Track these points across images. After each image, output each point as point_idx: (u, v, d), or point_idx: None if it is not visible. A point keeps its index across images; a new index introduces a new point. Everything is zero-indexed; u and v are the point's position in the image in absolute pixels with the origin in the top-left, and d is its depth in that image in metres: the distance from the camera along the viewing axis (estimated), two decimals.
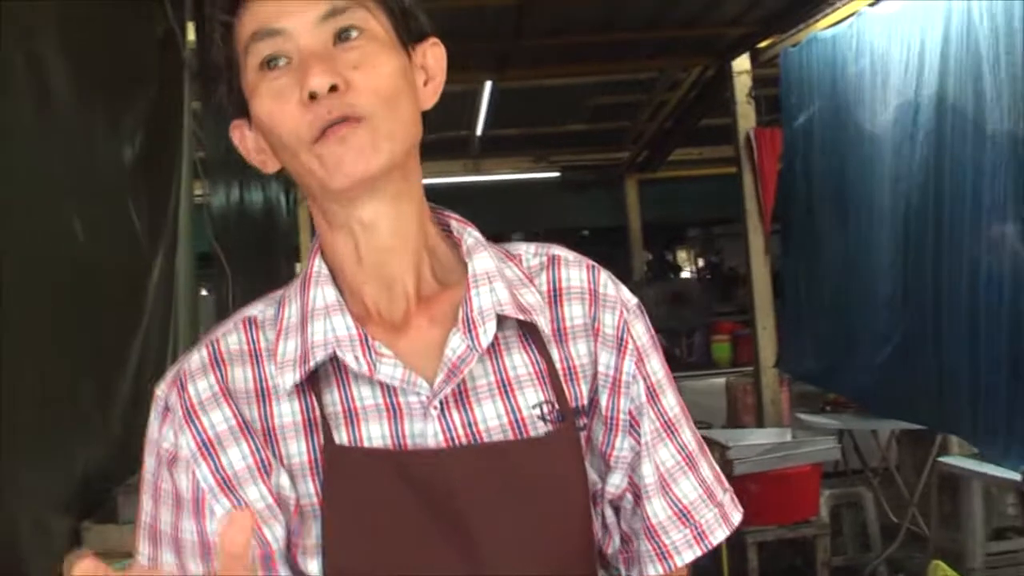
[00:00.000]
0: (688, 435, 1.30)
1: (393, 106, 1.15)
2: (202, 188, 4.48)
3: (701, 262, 16.19)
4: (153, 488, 1.21)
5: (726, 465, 5.33)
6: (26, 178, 2.61)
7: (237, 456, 1.18)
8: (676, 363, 10.19)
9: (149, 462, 1.21)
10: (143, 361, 3.38)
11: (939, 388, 4.65)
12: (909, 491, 6.32)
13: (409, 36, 1.22)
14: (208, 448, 1.18)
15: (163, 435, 1.20)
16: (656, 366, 1.29)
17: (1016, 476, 4.23)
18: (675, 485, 1.27)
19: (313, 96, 1.11)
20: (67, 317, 2.85)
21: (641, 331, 1.28)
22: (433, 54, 1.26)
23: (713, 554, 5.19)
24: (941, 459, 5.40)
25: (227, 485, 1.17)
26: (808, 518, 5.63)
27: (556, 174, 11.67)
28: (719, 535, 1.29)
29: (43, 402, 2.69)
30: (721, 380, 8.09)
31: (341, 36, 1.15)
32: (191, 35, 4.51)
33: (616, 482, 1.27)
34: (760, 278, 7.33)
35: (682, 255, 17.22)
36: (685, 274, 15.97)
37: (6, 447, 2.43)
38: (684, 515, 1.27)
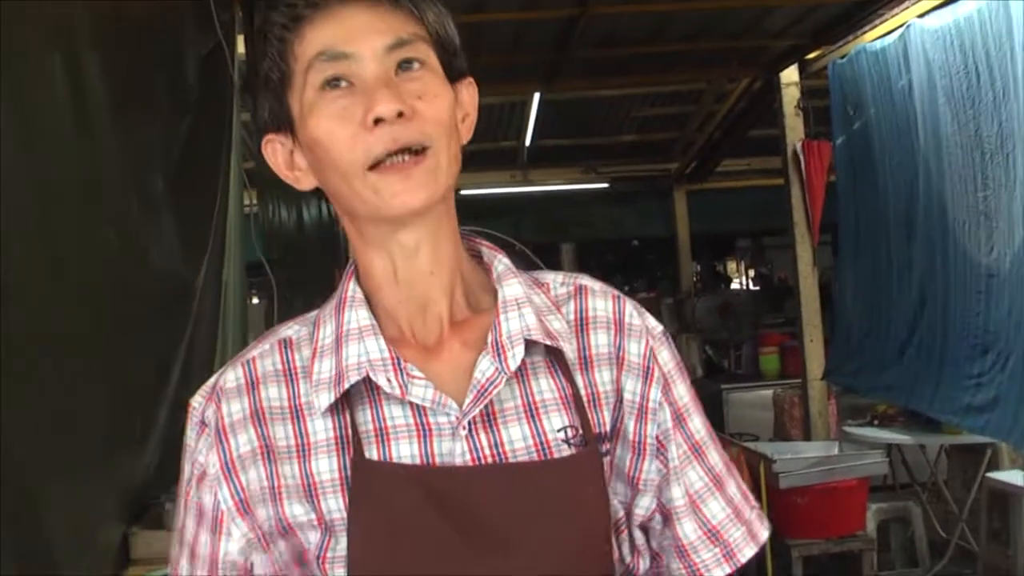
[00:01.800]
0: (715, 456, 1.34)
1: (449, 137, 1.20)
2: (250, 199, 4.52)
3: (752, 273, 16.09)
4: (185, 496, 1.28)
5: (772, 478, 5.32)
6: (63, 192, 2.63)
7: (254, 477, 1.23)
8: (724, 375, 10.13)
9: (187, 469, 1.28)
10: (189, 370, 3.41)
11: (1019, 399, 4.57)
12: (958, 506, 6.25)
13: (453, 74, 1.26)
14: (230, 469, 1.24)
15: (198, 448, 1.26)
16: (683, 391, 1.32)
17: None
18: (704, 506, 1.31)
19: (378, 121, 1.15)
20: (110, 330, 2.88)
21: (667, 358, 1.32)
22: (469, 92, 1.30)
23: (758, 567, 5.18)
24: (990, 475, 5.34)
25: (243, 507, 1.23)
26: (855, 532, 5.58)
27: (605, 185, 11.65)
28: (747, 552, 1.33)
29: (88, 413, 2.73)
30: (769, 392, 8.01)
31: (403, 66, 1.19)
32: (241, 48, 4.57)
33: (646, 504, 1.31)
34: (808, 290, 7.29)
35: (731, 266, 17.13)
36: (735, 285, 15.88)
37: (55, 457, 2.47)
38: (714, 535, 1.31)
